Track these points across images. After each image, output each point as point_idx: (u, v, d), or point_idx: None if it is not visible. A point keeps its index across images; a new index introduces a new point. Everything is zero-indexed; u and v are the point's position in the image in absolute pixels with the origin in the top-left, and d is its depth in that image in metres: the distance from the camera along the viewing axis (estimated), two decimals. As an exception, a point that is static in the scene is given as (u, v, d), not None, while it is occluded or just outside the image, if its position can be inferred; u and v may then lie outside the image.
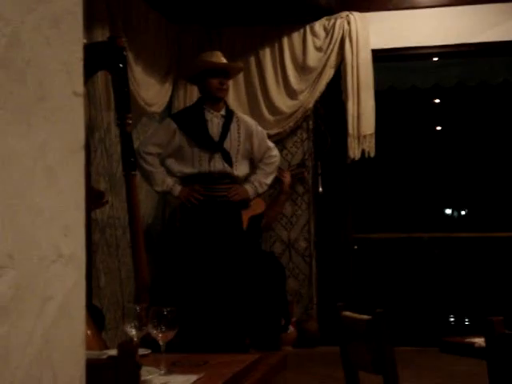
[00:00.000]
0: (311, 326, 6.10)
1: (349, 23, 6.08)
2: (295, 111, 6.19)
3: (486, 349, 2.19)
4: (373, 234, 8.11)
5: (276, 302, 5.46)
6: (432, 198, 10.20)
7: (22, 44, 1.09)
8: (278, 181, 5.82)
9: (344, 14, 6.12)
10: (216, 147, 5.19)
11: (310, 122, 6.32)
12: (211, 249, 5.05)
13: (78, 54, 1.23)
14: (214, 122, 5.25)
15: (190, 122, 5.24)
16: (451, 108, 9.61)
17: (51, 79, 1.16)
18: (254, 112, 6.11)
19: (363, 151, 6.07)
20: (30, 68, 1.11)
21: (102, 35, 4.70)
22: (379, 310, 2.29)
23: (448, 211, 11.17)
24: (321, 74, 6.15)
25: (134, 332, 2.38)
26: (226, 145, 5.22)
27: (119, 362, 1.77)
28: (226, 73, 5.27)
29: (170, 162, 5.23)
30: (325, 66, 6.14)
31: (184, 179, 5.24)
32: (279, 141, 6.15)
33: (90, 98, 4.35)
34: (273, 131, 6.08)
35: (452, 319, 8.19)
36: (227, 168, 5.18)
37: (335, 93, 6.17)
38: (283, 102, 6.20)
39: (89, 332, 2.82)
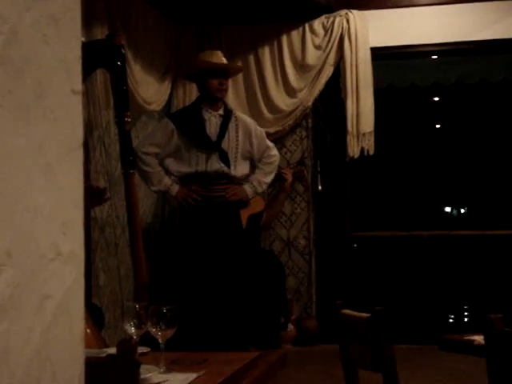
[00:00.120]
0: (311, 324, 6.10)
1: (348, 21, 6.08)
2: (294, 109, 6.19)
3: (486, 346, 2.19)
4: (372, 232, 8.11)
5: (275, 300, 5.46)
6: (431, 195, 10.20)
7: (20, 42, 1.09)
8: (278, 179, 5.81)
9: (343, 12, 6.12)
10: (213, 147, 5.18)
11: (309, 120, 6.32)
12: (210, 247, 5.06)
13: (77, 52, 1.23)
14: (212, 122, 5.25)
15: (188, 122, 5.24)
16: (450, 106, 9.61)
17: (49, 77, 1.16)
18: (253, 110, 6.11)
19: (362, 149, 6.07)
20: (28, 66, 1.10)
21: (100, 33, 4.70)
22: (379, 307, 2.28)
23: (447, 209, 11.17)
24: (320, 72, 6.15)
25: (133, 330, 2.38)
26: (224, 145, 5.21)
27: (119, 360, 1.77)
28: (225, 73, 5.27)
29: (169, 162, 5.23)
30: (324, 64, 6.14)
31: (182, 179, 5.24)
32: (278, 139, 6.15)
33: (88, 97, 4.35)
34: (272, 129, 6.07)
35: (451, 317, 8.19)
36: (224, 168, 5.17)
37: (334, 91, 6.17)
38: (282, 101, 6.20)
39: (88, 330, 2.82)
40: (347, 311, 2.50)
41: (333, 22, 6.13)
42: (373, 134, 6.06)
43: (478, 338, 2.72)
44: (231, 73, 5.43)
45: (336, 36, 6.11)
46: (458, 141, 9.92)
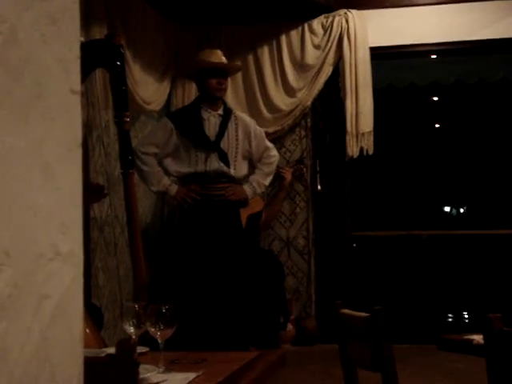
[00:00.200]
0: (310, 323, 6.10)
1: (347, 21, 6.08)
2: (293, 109, 6.19)
3: (485, 346, 2.19)
4: (371, 231, 8.12)
5: (275, 300, 5.46)
6: (431, 195, 10.20)
7: (19, 42, 1.09)
8: (277, 178, 5.81)
9: (342, 11, 6.11)
10: (212, 147, 5.17)
11: (309, 120, 6.32)
12: (209, 247, 5.05)
13: (76, 52, 1.23)
14: (211, 121, 5.24)
15: (187, 122, 5.23)
16: (450, 106, 9.60)
17: (48, 77, 1.16)
18: (252, 110, 6.11)
19: (362, 149, 6.07)
20: (27, 66, 1.10)
21: (100, 33, 4.70)
22: (378, 307, 2.29)
23: (447, 209, 11.17)
24: (319, 71, 6.15)
25: (132, 330, 2.38)
26: (223, 144, 5.20)
27: (118, 360, 1.77)
28: (224, 72, 5.26)
29: (168, 162, 5.22)
30: (323, 63, 6.14)
31: (181, 179, 5.23)
32: (277, 139, 6.15)
33: (87, 96, 4.35)
34: (271, 129, 6.07)
35: (450, 317, 8.19)
36: (224, 168, 5.16)
37: (333, 90, 6.17)
38: (281, 100, 6.20)
39: (87, 330, 2.82)
40: (346, 311, 2.50)
41: (332, 22, 6.13)
42: (372, 133, 6.06)
43: (477, 338, 2.72)
44: (230, 72, 5.43)
45: (335, 36, 6.11)
46: (457, 140, 9.92)
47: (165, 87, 6.00)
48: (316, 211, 6.29)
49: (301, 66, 6.18)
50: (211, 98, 5.23)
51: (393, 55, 6.47)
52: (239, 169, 5.25)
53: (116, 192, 4.69)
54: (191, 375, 2.25)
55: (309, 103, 6.19)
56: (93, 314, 3.26)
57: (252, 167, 5.43)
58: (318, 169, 6.28)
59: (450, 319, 8.14)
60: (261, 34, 6.25)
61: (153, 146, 5.19)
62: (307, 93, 6.17)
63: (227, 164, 5.17)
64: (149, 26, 5.65)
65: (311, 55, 6.16)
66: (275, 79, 6.22)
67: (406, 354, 5.15)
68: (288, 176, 5.97)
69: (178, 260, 5.17)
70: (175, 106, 6.15)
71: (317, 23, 6.17)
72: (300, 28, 6.19)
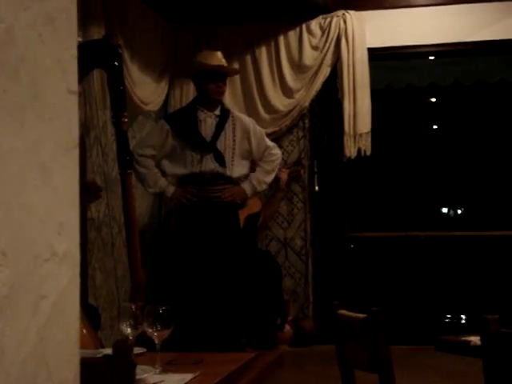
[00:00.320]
0: (307, 324, 6.10)
1: (345, 22, 6.08)
2: (291, 110, 6.19)
3: (482, 347, 2.19)
4: (369, 232, 8.11)
5: (272, 301, 5.46)
6: (428, 196, 10.20)
7: (16, 41, 1.08)
8: (275, 179, 5.81)
9: (340, 12, 6.12)
10: (208, 147, 5.17)
11: (306, 121, 6.32)
12: (207, 248, 5.05)
13: (73, 52, 1.22)
14: (208, 122, 5.23)
15: (183, 123, 5.23)
16: (447, 107, 9.61)
17: (45, 77, 1.15)
18: (250, 110, 6.10)
19: (359, 150, 6.07)
20: (24, 66, 1.10)
21: (97, 34, 4.70)
22: (375, 308, 2.29)
23: (444, 210, 11.17)
24: (317, 72, 6.15)
25: (129, 331, 2.38)
26: (220, 145, 5.19)
27: (114, 361, 1.77)
28: (224, 75, 5.25)
29: (165, 164, 5.22)
30: (321, 64, 6.14)
31: (178, 180, 5.23)
32: (275, 139, 6.13)
33: (85, 97, 4.35)
34: (269, 130, 6.07)
35: (448, 318, 8.20)
36: (219, 168, 5.16)
37: (331, 91, 6.17)
38: (279, 101, 6.20)
39: (84, 331, 2.81)
40: (344, 312, 2.50)
41: (330, 23, 6.13)
42: (370, 134, 6.07)
43: (475, 339, 2.72)
44: (228, 75, 5.42)
45: (333, 36, 6.11)
46: (455, 142, 9.92)
47: (163, 88, 6.00)
48: (314, 212, 6.29)
49: (299, 66, 6.18)
50: (209, 99, 5.23)
51: (391, 56, 6.48)
52: (237, 169, 5.24)
53: (114, 192, 4.69)
54: (188, 376, 2.25)
55: (307, 104, 6.19)
56: (90, 314, 3.25)
57: (253, 167, 5.42)
58: (315, 169, 6.28)
59: (448, 320, 8.14)
60: (259, 34, 6.25)
61: (150, 148, 5.20)
62: (305, 94, 6.17)
63: (223, 164, 5.16)
64: (147, 26, 5.65)
65: (309, 56, 6.16)
66: (273, 80, 6.22)
67: (404, 355, 5.14)
68: (284, 177, 5.96)
69: (175, 261, 5.16)
70: (173, 106, 6.15)
71: (315, 24, 6.18)
72: (298, 29, 6.19)
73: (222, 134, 5.21)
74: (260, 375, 2.60)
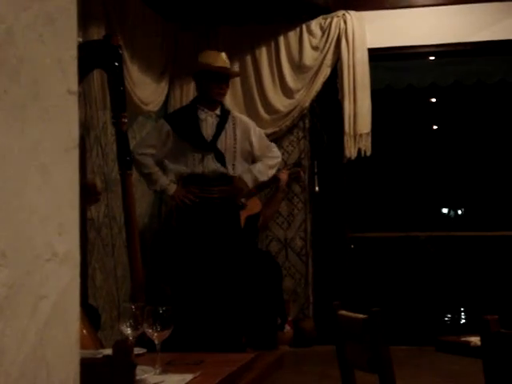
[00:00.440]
0: (307, 325, 6.10)
1: (345, 22, 6.08)
2: (291, 110, 6.19)
3: (482, 348, 2.19)
4: (369, 233, 8.11)
5: (272, 301, 5.46)
6: (429, 197, 10.21)
7: (16, 42, 1.08)
8: (274, 180, 5.81)
9: (340, 12, 6.11)
10: (208, 147, 5.16)
11: (307, 121, 6.32)
12: (207, 248, 5.04)
13: (73, 52, 1.22)
14: (209, 122, 5.22)
15: (184, 123, 5.22)
16: (448, 107, 9.62)
17: (45, 77, 1.15)
18: (250, 111, 6.10)
19: (359, 150, 6.07)
20: (24, 66, 1.10)
21: (98, 34, 4.70)
22: (375, 308, 2.29)
23: (445, 210, 11.18)
24: (317, 73, 6.15)
25: (129, 331, 2.37)
26: (221, 145, 5.18)
27: (114, 361, 1.77)
28: (227, 77, 5.25)
29: (166, 163, 5.21)
30: (321, 64, 6.14)
31: (181, 180, 5.21)
32: (275, 140, 6.13)
33: (85, 97, 4.35)
34: (269, 130, 6.06)
35: (448, 318, 8.20)
36: (220, 168, 5.15)
37: (331, 92, 6.17)
38: (279, 101, 6.20)
39: (84, 331, 2.81)
40: (344, 312, 2.50)
41: (330, 23, 6.13)
42: (370, 134, 6.06)
43: (475, 340, 2.72)
44: (231, 77, 5.42)
45: (333, 37, 6.11)
46: (455, 142, 9.93)
47: (163, 88, 6.00)
48: (314, 212, 6.29)
49: (299, 67, 6.18)
50: (210, 100, 5.23)
51: (391, 56, 6.47)
52: (239, 169, 5.24)
53: (113, 193, 4.69)
54: (188, 376, 2.25)
55: (307, 104, 6.19)
56: (90, 314, 3.25)
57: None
58: (315, 170, 6.28)
59: (448, 321, 8.14)
60: (259, 35, 6.25)
61: (150, 147, 5.18)
62: (305, 94, 6.17)
63: (224, 164, 5.16)
64: (147, 26, 5.65)
65: (309, 56, 6.16)
66: (273, 80, 6.22)
67: (404, 355, 5.15)
68: (284, 177, 5.96)
69: (176, 261, 5.16)
70: (173, 106, 6.15)
71: (315, 24, 6.17)
72: (298, 29, 6.19)
73: (223, 133, 5.20)
74: (260, 376, 2.60)
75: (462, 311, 8.34)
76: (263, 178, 5.33)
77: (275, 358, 3.04)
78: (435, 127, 10.31)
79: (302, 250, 6.26)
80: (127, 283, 4.24)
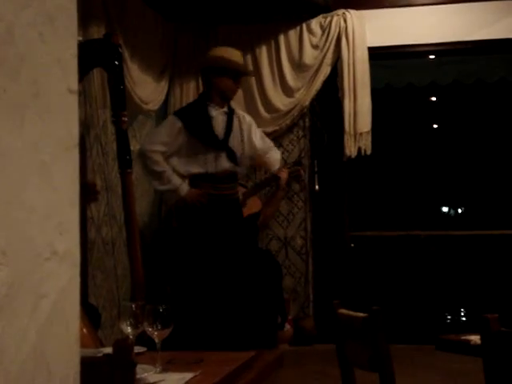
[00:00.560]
0: (307, 323, 6.10)
1: (345, 21, 6.08)
2: (291, 109, 6.19)
3: (482, 346, 2.19)
4: (369, 231, 8.11)
5: (272, 300, 5.46)
6: (429, 195, 10.21)
7: (16, 40, 1.08)
8: (274, 178, 5.80)
9: (340, 11, 6.12)
10: (221, 145, 5.13)
11: (307, 120, 6.32)
12: (208, 247, 5.04)
13: (73, 51, 1.22)
14: (219, 119, 5.18)
15: (195, 120, 5.15)
16: (448, 106, 9.61)
17: (45, 76, 1.15)
18: (251, 110, 6.10)
19: (359, 149, 6.07)
20: (24, 64, 1.10)
21: (97, 33, 4.70)
22: (375, 307, 2.29)
23: (445, 209, 11.17)
24: (317, 71, 6.15)
25: (129, 330, 2.37)
26: (231, 143, 5.16)
27: (114, 360, 1.77)
28: (241, 74, 5.22)
29: (175, 161, 5.13)
30: (321, 63, 6.14)
31: (190, 179, 5.17)
32: (275, 139, 6.15)
33: (85, 96, 4.35)
34: (269, 129, 6.07)
35: (448, 317, 8.20)
36: (233, 167, 5.13)
37: (332, 90, 6.17)
38: (279, 100, 6.20)
39: (84, 330, 2.81)
40: (344, 311, 2.50)
41: (330, 22, 6.13)
42: (370, 133, 6.07)
43: (475, 338, 2.72)
44: (248, 75, 5.46)
45: (333, 35, 6.11)
46: (455, 141, 9.93)
47: (162, 87, 6.00)
48: (314, 211, 6.29)
49: (299, 65, 6.18)
50: (222, 96, 5.17)
51: (391, 55, 6.48)
52: (244, 167, 5.24)
53: (113, 192, 4.69)
54: (188, 375, 2.25)
55: (307, 103, 6.20)
56: (90, 313, 3.25)
57: (252, 168, 5.44)
58: (315, 169, 6.27)
59: (448, 319, 8.14)
60: (259, 33, 6.26)
61: (161, 144, 5.08)
62: (305, 93, 6.17)
63: (236, 163, 5.14)
64: (147, 25, 5.65)
65: (309, 55, 6.16)
66: (273, 79, 6.22)
67: (404, 354, 5.15)
68: (284, 176, 5.95)
69: (176, 260, 5.16)
70: (173, 105, 6.15)
71: (315, 23, 6.17)
72: (298, 28, 6.19)
73: (232, 131, 5.18)
74: (260, 374, 2.60)
75: (462, 310, 8.33)
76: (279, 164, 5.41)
77: (275, 357, 3.04)
78: (435, 126, 10.31)
79: (302, 249, 6.26)
80: (127, 282, 4.24)
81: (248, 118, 5.38)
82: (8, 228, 1.05)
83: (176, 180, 5.08)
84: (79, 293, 1.23)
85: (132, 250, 3.16)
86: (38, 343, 1.12)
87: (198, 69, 5.54)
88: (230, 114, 5.23)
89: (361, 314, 2.35)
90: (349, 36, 6.05)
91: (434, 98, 9.55)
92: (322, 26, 6.16)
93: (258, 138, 5.32)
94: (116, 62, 3.13)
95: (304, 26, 6.18)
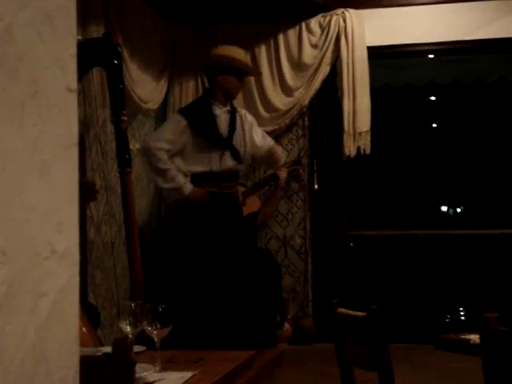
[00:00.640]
0: (307, 322, 6.10)
1: (344, 20, 6.08)
2: (291, 108, 6.19)
3: (481, 345, 2.19)
4: (368, 231, 8.11)
5: (271, 299, 5.46)
6: (428, 195, 10.20)
7: (15, 39, 1.08)
8: (273, 178, 5.81)
9: (339, 10, 6.12)
10: (225, 144, 5.13)
11: (306, 119, 6.32)
12: (207, 246, 5.04)
13: (72, 50, 1.22)
14: (222, 118, 5.19)
15: (199, 118, 5.14)
16: (447, 105, 9.61)
17: (44, 75, 1.15)
18: (250, 109, 6.09)
19: (359, 148, 6.07)
20: (23, 64, 1.10)
21: (97, 32, 4.70)
22: (374, 306, 2.29)
23: (444, 208, 11.17)
24: (316, 71, 6.15)
25: (129, 329, 2.38)
26: (235, 141, 5.17)
27: (114, 359, 1.77)
28: (244, 73, 5.23)
29: (178, 161, 5.13)
30: (320, 62, 6.14)
31: (193, 177, 5.16)
32: (275, 138, 6.14)
33: (85, 95, 4.35)
34: (268, 128, 6.07)
35: (447, 316, 8.20)
36: (237, 165, 5.14)
37: (331, 90, 6.17)
38: (279, 99, 6.19)
39: (84, 329, 2.81)
40: (343, 310, 2.50)
41: (329, 21, 6.13)
42: (369, 132, 6.07)
43: (474, 337, 2.72)
44: (251, 74, 5.48)
45: (332, 35, 6.11)
46: (454, 140, 9.92)
47: (162, 86, 6.00)
48: (313, 210, 6.30)
49: (298, 65, 6.18)
50: (227, 95, 5.18)
51: (390, 54, 6.48)
52: (246, 165, 5.24)
53: (113, 191, 4.69)
54: (187, 374, 2.25)
55: (306, 102, 6.20)
56: (89, 312, 3.25)
57: (251, 167, 5.44)
58: (315, 168, 6.28)
59: (447, 319, 8.14)
60: (258, 33, 6.26)
61: (166, 142, 5.06)
62: (304, 92, 6.17)
63: (239, 161, 5.14)
64: (146, 24, 5.65)
65: (308, 54, 6.16)
66: (272, 78, 6.22)
67: (403, 353, 5.14)
68: (283, 175, 5.95)
69: (175, 259, 5.16)
70: (172, 104, 6.15)
71: (314, 22, 6.17)
72: (297, 27, 6.19)
73: (235, 130, 5.19)
74: (259, 373, 2.60)
75: (462, 309, 8.33)
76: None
77: (274, 356, 3.04)
78: (434, 125, 10.30)
79: (302, 248, 6.26)
80: (126, 281, 4.24)
81: (250, 117, 5.39)
82: (7, 227, 1.05)
83: (180, 178, 5.07)
84: (78, 292, 1.23)
85: (131, 249, 3.16)
86: (37, 342, 1.12)
87: (200, 67, 5.56)
88: (233, 112, 5.24)
89: (360, 314, 2.35)
90: (348, 35, 6.05)
91: (433, 98, 9.55)
92: (321, 26, 6.16)
93: (259, 137, 5.33)
94: (115, 61, 3.13)
95: (303, 25, 6.18)
